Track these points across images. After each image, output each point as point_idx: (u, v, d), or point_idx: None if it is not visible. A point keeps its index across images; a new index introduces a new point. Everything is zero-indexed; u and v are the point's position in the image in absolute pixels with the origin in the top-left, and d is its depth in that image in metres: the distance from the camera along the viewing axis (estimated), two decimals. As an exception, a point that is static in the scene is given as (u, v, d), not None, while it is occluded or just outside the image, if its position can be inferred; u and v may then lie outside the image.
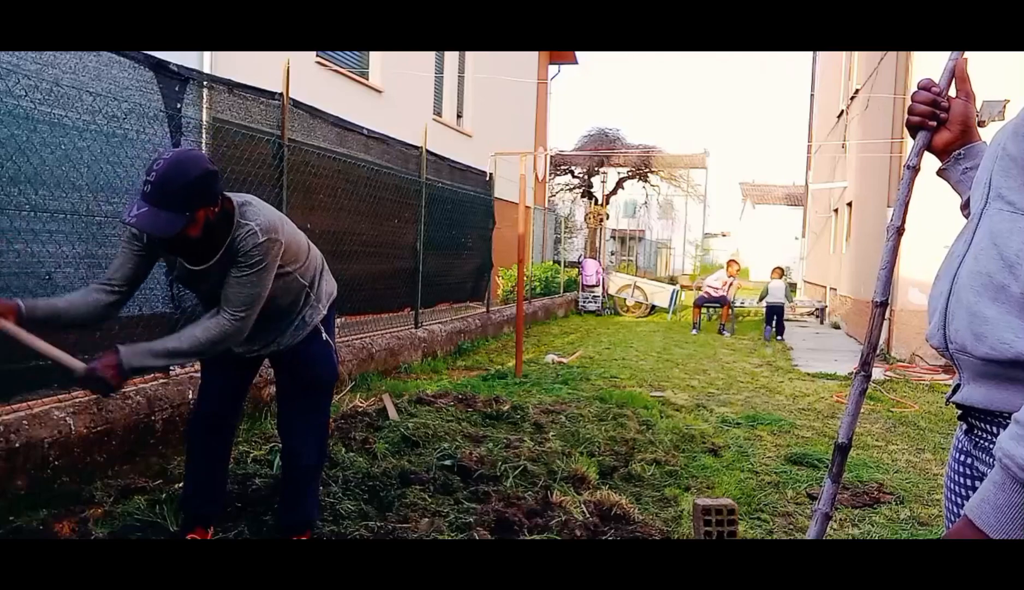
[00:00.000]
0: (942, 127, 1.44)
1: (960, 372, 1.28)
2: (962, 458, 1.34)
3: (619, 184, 28.25)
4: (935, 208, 8.73)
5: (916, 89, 1.45)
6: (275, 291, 2.65)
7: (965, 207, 1.44)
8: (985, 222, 1.24)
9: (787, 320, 15.86)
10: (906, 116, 1.48)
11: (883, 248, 1.47)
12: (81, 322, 2.52)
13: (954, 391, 1.31)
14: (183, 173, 2.31)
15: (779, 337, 13.04)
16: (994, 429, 1.22)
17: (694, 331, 13.06)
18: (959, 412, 1.32)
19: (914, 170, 1.46)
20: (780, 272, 13.81)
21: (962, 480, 1.34)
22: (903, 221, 1.45)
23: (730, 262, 14.05)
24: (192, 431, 2.97)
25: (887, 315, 10.02)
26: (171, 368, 4.36)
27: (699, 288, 15.07)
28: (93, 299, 2.49)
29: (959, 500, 1.34)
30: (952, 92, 1.47)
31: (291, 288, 2.79)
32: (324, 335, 2.97)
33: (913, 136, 1.47)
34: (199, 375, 3.11)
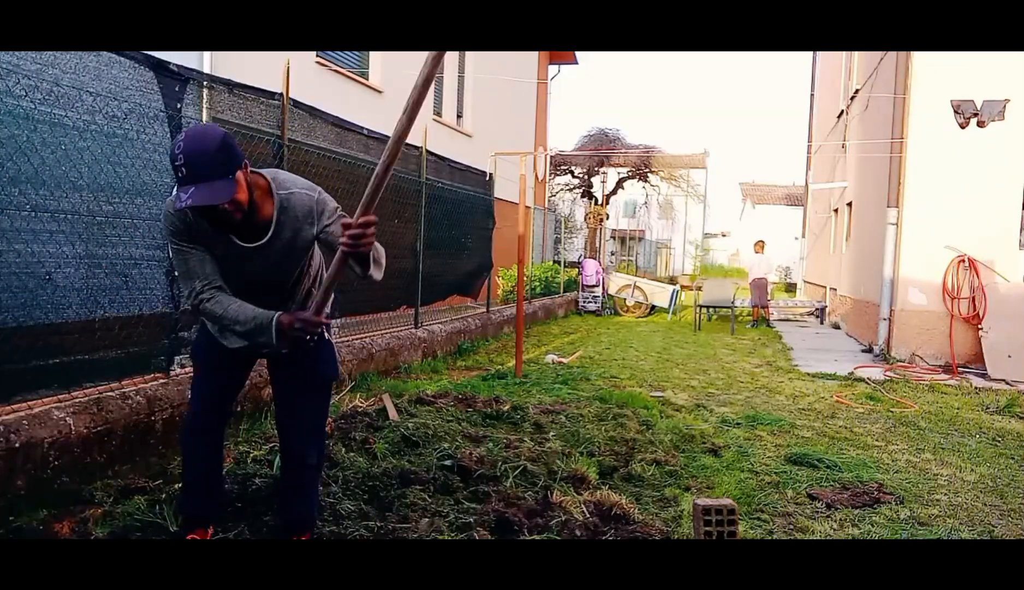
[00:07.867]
0: None
1: None
2: None
3: (619, 184, 28.24)
4: (934, 209, 8.75)
5: None
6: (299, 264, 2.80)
7: None
8: None
9: (787, 320, 15.86)
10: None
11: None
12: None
13: None
14: (208, 141, 2.42)
15: (765, 323, 13.35)
16: None
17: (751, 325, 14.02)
18: None
19: None
20: (762, 245, 14.66)
21: None
22: None
23: (758, 242, 15.10)
24: (185, 433, 2.98)
25: (887, 316, 10.03)
26: (171, 369, 4.37)
27: (748, 287, 14.76)
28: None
29: None
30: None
31: (313, 273, 2.90)
32: (327, 334, 3.00)
33: None
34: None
